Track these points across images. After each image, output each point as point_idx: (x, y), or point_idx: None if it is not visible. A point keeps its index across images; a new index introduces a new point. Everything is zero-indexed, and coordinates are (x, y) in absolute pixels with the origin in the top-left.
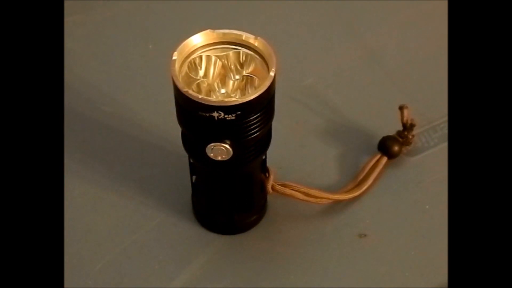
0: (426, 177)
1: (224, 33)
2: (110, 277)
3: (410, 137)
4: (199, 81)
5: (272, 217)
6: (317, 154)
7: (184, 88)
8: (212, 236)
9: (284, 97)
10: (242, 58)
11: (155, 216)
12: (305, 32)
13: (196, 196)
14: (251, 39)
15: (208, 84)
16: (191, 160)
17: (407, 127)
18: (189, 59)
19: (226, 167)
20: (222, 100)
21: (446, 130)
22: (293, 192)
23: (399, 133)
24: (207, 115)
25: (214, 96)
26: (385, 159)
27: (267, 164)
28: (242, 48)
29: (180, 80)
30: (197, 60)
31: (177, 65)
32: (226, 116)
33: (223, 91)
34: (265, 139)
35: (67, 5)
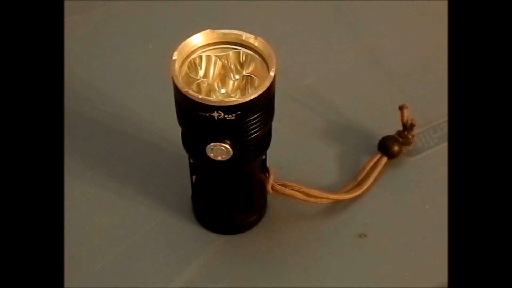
0: (426, 177)
1: (224, 33)
2: (110, 277)
3: (410, 137)
4: (199, 81)
5: (272, 217)
6: (317, 154)
7: (184, 88)
8: (212, 236)
9: (284, 97)
10: (242, 58)
11: (155, 216)
12: (305, 32)
13: (196, 196)
14: (251, 39)
15: (208, 84)
16: (191, 160)
17: (407, 127)
18: (189, 59)
19: (226, 167)
20: (222, 100)
21: (446, 130)
22: (293, 192)
23: (399, 133)
24: (207, 115)
25: (214, 96)
26: (385, 159)
27: (267, 164)
28: (242, 48)
29: (180, 80)
30: (197, 60)
31: (177, 65)
32: (226, 116)
33: (223, 91)
34: (265, 139)
35: (67, 5)
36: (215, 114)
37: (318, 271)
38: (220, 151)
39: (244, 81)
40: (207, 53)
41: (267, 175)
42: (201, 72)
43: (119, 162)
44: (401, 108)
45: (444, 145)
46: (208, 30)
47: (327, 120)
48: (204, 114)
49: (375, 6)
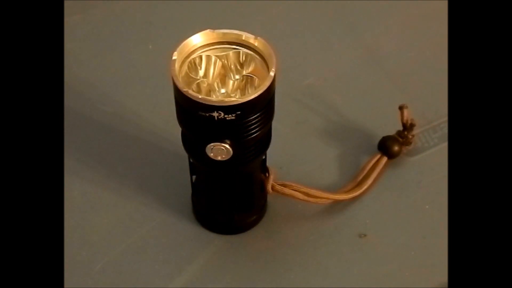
0: (426, 177)
1: (224, 33)
2: (110, 277)
3: (410, 137)
4: (199, 81)
5: (272, 217)
6: (317, 154)
7: (184, 88)
8: (212, 236)
9: (284, 97)
10: (242, 58)
11: (155, 216)
12: (305, 32)
13: (196, 196)
14: (251, 39)
15: (208, 84)
16: (191, 160)
17: (407, 127)
18: (189, 59)
19: (226, 167)
20: (222, 100)
21: (446, 130)
22: (293, 192)
23: (399, 133)
24: (207, 115)
25: (214, 96)
26: (385, 159)
27: (267, 164)
28: (242, 48)
29: (180, 80)
30: (197, 60)
31: (177, 65)
32: (226, 116)
33: (223, 91)
34: (265, 139)
35: (67, 5)
36: (215, 114)
37: (318, 271)
38: (220, 151)
39: (244, 81)
40: (207, 53)
41: (267, 175)
42: (201, 72)
43: (119, 162)
44: (401, 108)
45: (444, 145)
46: (208, 30)
47: (327, 120)
48: (204, 114)
49: (375, 6)
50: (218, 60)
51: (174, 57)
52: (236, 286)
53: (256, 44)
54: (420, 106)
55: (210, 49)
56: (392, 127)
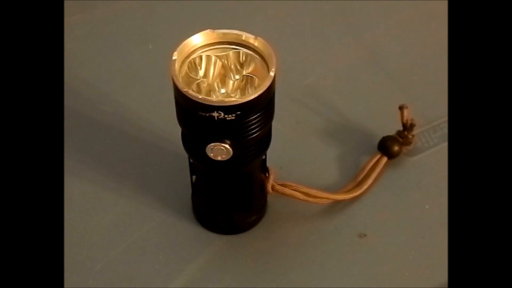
0: (426, 177)
1: (224, 33)
2: (110, 277)
3: (410, 137)
4: (199, 81)
5: (272, 217)
6: (317, 154)
7: (184, 88)
8: (212, 236)
9: (284, 97)
10: (242, 58)
11: (155, 216)
12: (305, 32)
13: (196, 196)
14: (251, 39)
15: (208, 84)
16: (191, 160)
17: (407, 127)
18: (189, 59)
19: (226, 167)
20: (222, 100)
21: (446, 130)
22: (293, 192)
23: (399, 133)
24: (207, 115)
25: (214, 96)
26: (385, 159)
27: (267, 164)
28: (242, 48)
29: (180, 80)
30: (197, 60)
31: (177, 65)
32: (226, 116)
33: (223, 91)
34: (265, 139)
35: (67, 5)
36: (215, 114)
37: (318, 271)
38: (220, 151)
39: (244, 81)
40: (207, 53)
41: (267, 175)
42: (201, 72)
43: (119, 162)
44: (401, 108)
45: (444, 145)
46: (208, 30)
47: (327, 120)
48: (204, 114)
49: (375, 6)
50: (218, 60)
51: (174, 57)
52: (236, 286)
53: (256, 44)
54: (420, 106)
55: (210, 49)
56: (392, 127)
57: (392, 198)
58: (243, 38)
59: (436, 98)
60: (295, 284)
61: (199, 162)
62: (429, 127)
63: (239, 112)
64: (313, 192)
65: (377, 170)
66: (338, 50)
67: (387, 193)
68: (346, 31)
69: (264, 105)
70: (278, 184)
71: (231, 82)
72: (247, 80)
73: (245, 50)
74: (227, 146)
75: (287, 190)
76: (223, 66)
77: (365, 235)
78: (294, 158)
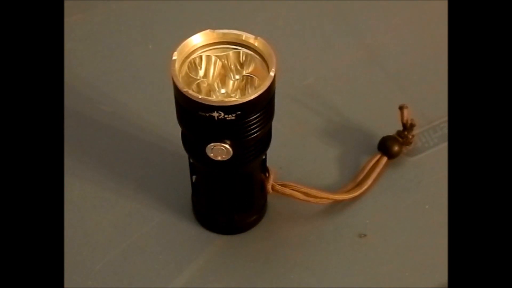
0: (426, 177)
1: (224, 33)
2: (110, 277)
3: (410, 137)
4: (199, 81)
5: (272, 217)
6: (317, 154)
7: (184, 88)
8: (212, 236)
9: (284, 97)
10: (242, 58)
11: (155, 216)
12: (305, 32)
13: (196, 196)
14: (251, 39)
15: (208, 84)
16: (191, 160)
17: (407, 127)
18: (189, 59)
19: (226, 167)
20: (222, 100)
21: (446, 130)
22: (293, 192)
23: (399, 133)
24: (207, 115)
25: (214, 96)
26: (385, 159)
27: (267, 164)
28: (242, 48)
29: (180, 80)
30: (197, 60)
31: (177, 65)
32: (226, 116)
33: (223, 91)
34: (265, 139)
35: (67, 5)
36: (215, 114)
37: (318, 271)
38: (220, 151)
39: (244, 81)
40: (207, 53)
41: (267, 175)
42: (201, 72)
43: (118, 162)
44: (401, 108)
45: (444, 145)
46: (208, 30)
47: (327, 120)
48: (204, 114)
49: (375, 6)
50: (218, 60)
51: (174, 57)
52: (236, 286)
53: (256, 44)
54: (420, 106)
55: (210, 49)
56: (392, 127)
57: (392, 198)
58: (243, 38)
59: (436, 98)
60: (295, 284)
61: (199, 162)
62: (429, 127)
63: (239, 112)
64: (313, 192)
65: (377, 170)
66: (338, 50)
67: (387, 193)
68: (346, 31)
69: (264, 105)
70: (278, 184)
71: (231, 82)
72: (247, 80)
73: (245, 50)
74: (227, 146)
75: (287, 190)
76: (223, 66)
77: (365, 235)
78: (294, 158)
